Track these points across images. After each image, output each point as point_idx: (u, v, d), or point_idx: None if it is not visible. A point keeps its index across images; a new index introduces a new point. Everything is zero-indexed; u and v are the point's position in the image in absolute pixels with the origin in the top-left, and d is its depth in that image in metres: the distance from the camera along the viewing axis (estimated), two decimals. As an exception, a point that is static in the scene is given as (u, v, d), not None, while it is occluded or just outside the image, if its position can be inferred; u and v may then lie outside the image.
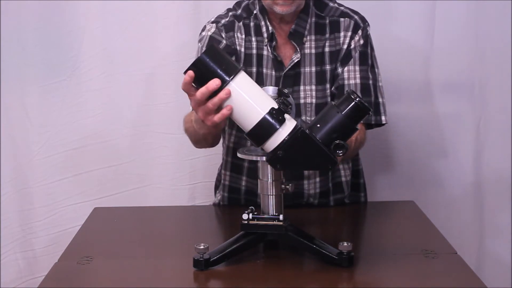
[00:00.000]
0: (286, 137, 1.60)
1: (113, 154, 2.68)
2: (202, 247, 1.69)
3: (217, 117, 1.64)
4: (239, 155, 1.73)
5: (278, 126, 1.60)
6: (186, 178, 2.68)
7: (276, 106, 1.60)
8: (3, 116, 2.66)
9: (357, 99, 1.57)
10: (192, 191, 2.69)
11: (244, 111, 1.62)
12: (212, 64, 1.60)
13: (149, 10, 2.61)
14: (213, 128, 1.76)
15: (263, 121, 1.60)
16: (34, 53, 2.64)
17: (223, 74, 1.60)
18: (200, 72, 1.61)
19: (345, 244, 1.69)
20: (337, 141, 1.58)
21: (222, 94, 1.60)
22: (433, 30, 2.62)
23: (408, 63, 2.63)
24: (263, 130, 1.60)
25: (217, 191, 2.31)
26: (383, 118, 2.13)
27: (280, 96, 1.66)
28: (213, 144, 2.12)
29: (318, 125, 1.59)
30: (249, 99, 1.62)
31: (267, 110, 1.60)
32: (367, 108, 1.58)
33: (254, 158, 1.71)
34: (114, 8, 2.61)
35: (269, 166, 1.68)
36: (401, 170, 2.70)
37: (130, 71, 2.64)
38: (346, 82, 2.09)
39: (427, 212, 2.16)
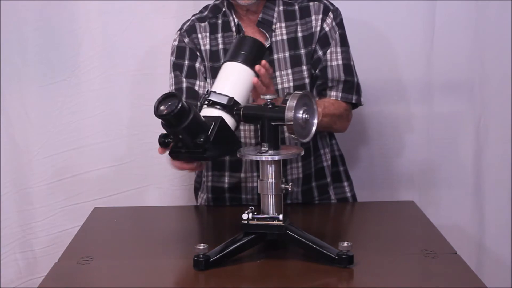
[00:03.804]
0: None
1: (112, 154, 2.68)
2: (202, 247, 1.69)
3: None
4: (238, 155, 1.73)
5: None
6: (186, 178, 2.68)
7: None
8: (3, 116, 2.66)
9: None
10: (192, 191, 2.68)
11: None
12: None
13: (149, 10, 2.61)
14: None
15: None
16: (34, 53, 2.64)
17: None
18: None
19: (345, 244, 1.69)
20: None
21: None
22: (433, 30, 2.62)
23: (408, 63, 2.63)
24: None
25: (199, 193, 2.33)
26: (361, 99, 2.19)
27: None
28: None
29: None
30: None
31: None
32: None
33: (254, 158, 1.72)
34: (114, 8, 2.62)
35: (269, 166, 1.71)
36: (401, 170, 2.69)
37: (130, 71, 2.65)
38: (329, 63, 2.15)
39: (427, 212, 2.16)
